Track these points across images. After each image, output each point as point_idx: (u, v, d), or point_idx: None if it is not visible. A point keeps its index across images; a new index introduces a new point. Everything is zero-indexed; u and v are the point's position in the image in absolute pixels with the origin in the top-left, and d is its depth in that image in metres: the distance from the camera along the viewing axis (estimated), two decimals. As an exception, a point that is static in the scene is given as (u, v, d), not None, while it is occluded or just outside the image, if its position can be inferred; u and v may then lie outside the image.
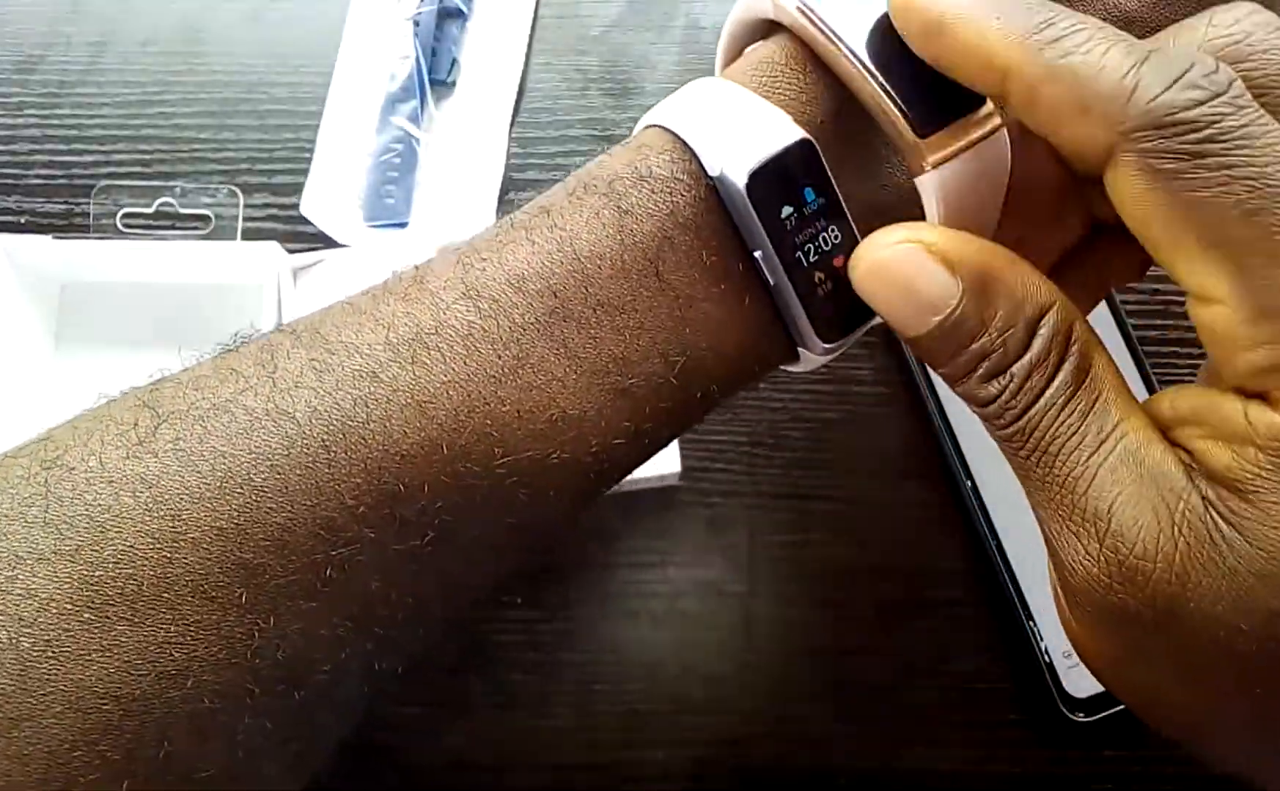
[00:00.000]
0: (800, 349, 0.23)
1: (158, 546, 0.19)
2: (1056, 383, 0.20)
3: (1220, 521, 0.18)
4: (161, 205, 0.43)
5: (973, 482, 0.39)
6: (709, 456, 0.40)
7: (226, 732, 0.19)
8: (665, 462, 0.38)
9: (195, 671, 0.19)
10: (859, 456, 0.41)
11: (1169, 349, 0.41)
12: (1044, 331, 0.20)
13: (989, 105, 0.21)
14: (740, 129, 0.21)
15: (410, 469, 0.20)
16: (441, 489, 0.20)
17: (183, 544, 0.19)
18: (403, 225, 0.43)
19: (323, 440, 0.20)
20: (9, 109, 0.45)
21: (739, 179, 0.20)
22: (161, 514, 0.19)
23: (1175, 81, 0.18)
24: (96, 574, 0.19)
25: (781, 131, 0.21)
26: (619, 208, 0.21)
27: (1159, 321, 0.41)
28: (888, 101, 0.21)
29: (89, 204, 0.43)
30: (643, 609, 0.39)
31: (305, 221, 0.43)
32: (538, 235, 0.22)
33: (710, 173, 0.21)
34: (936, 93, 0.21)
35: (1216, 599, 0.18)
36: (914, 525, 0.40)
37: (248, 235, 0.43)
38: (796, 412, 0.41)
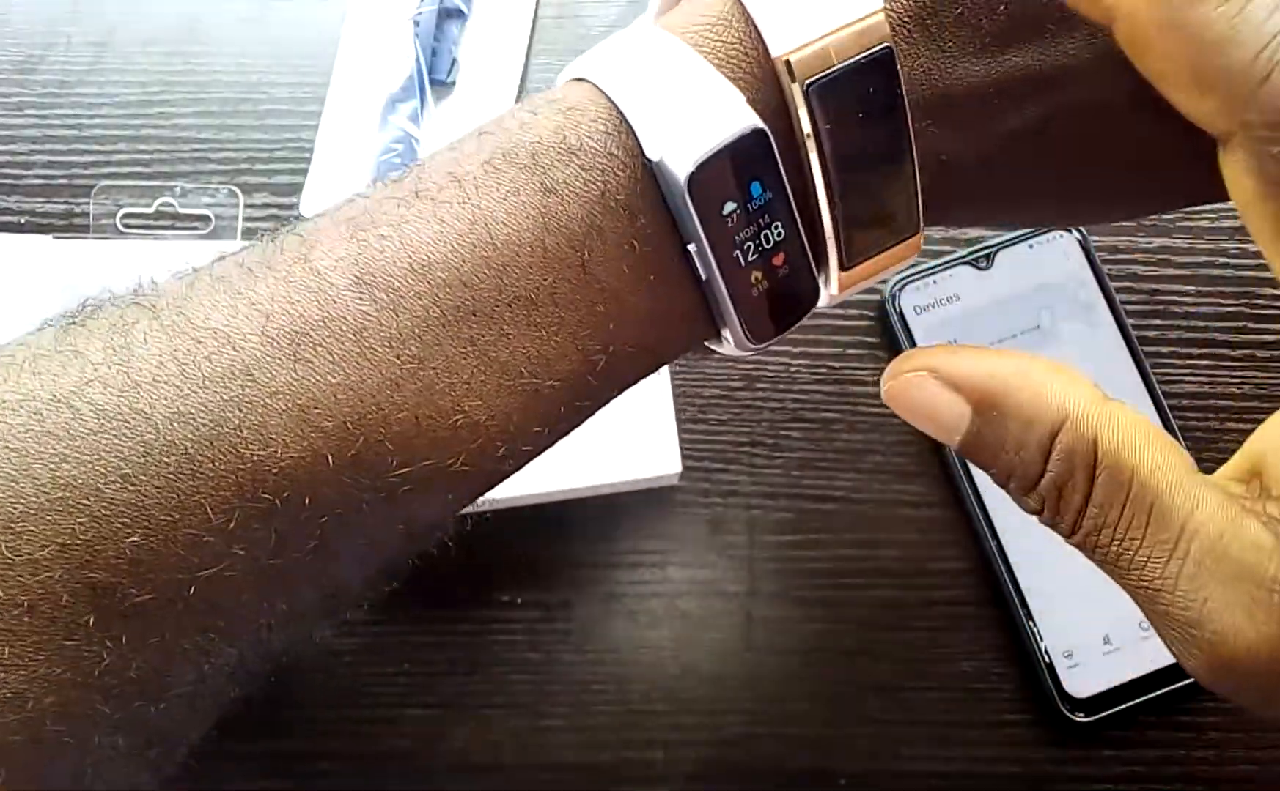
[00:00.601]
0: (730, 343, 0.21)
1: None
2: (1097, 501, 0.19)
3: None
4: (161, 205, 0.43)
5: (973, 483, 0.39)
6: (709, 456, 0.40)
7: (74, 752, 0.18)
8: (665, 463, 0.38)
9: (35, 695, 0.17)
10: (859, 456, 0.41)
11: (1169, 349, 0.41)
12: (1059, 453, 0.19)
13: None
14: (687, 108, 0.18)
15: (289, 482, 0.18)
16: (324, 502, 0.18)
17: (17, 561, 0.17)
18: (403, 225, 0.43)
19: (185, 448, 0.17)
20: (9, 109, 0.45)
21: (680, 171, 0.18)
22: None
23: None
24: None
25: (733, 117, 0.18)
26: (543, 185, 0.19)
27: (1159, 321, 0.41)
28: None
29: (89, 204, 0.43)
30: (643, 609, 0.39)
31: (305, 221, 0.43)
32: (447, 211, 0.19)
33: (649, 156, 0.19)
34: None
35: None
36: (914, 525, 0.40)
37: (248, 235, 0.43)
38: (796, 412, 0.41)
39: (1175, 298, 0.41)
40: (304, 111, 0.45)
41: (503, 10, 0.46)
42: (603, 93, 0.19)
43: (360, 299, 0.18)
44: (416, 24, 0.45)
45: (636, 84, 0.19)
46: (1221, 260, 0.41)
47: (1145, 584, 0.18)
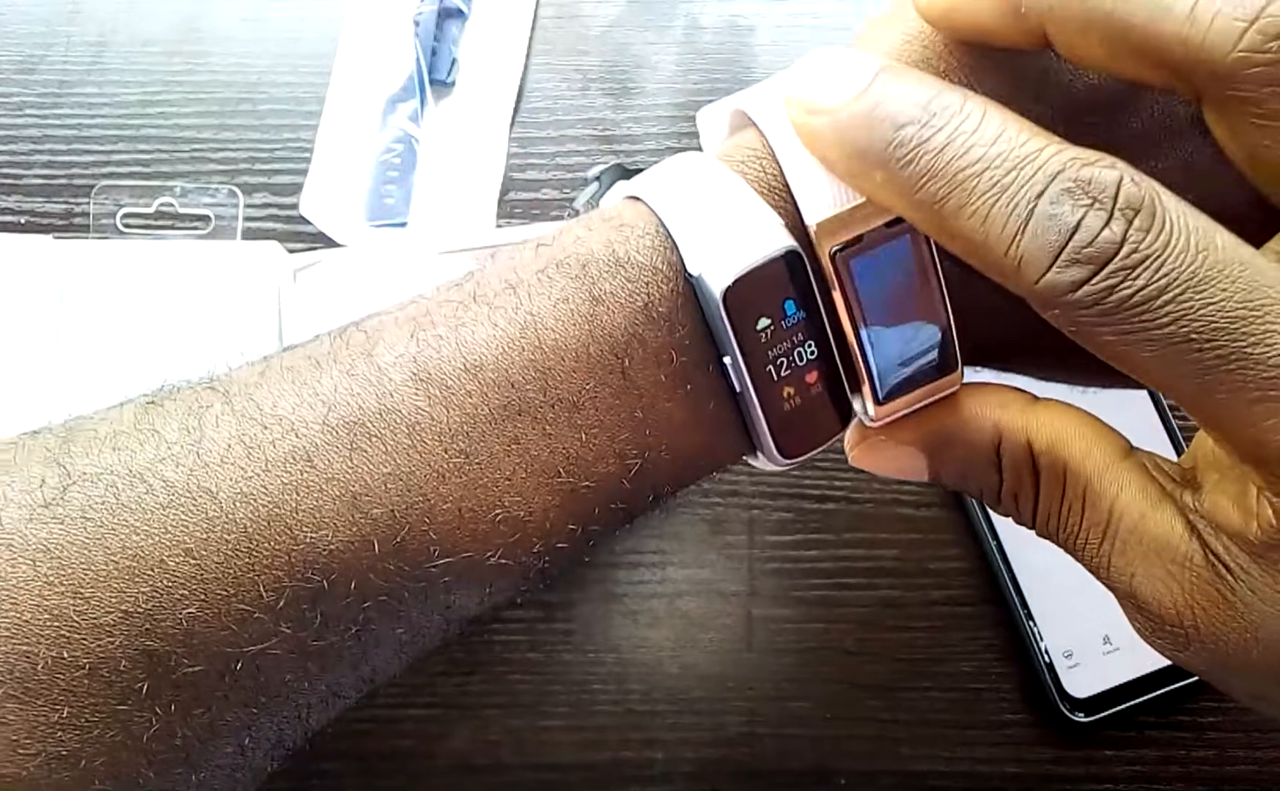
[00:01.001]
0: (762, 457, 0.22)
1: (56, 624, 0.18)
2: (1043, 497, 0.20)
3: (1230, 578, 0.18)
4: (161, 205, 0.43)
5: (973, 482, 0.39)
6: (709, 456, 0.40)
7: None
8: (665, 463, 0.38)
9: (88, 755, 0.18)
10: (859, 456, 0.41)
11: (1169, 349, 0.41)
12: (1005, 462, 0.21)
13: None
14: (726, 228, 0.20)
15: (337, 565, 0.19)
16: (369, 587, 0.19)
17: (83, 625, 0.18)
18: (403, 225, 0.43)
19: (245, 527, 0.18)
20: (9, 109, 0.45)
21: (716, 287, 0.19)
22: (63, 589, 0.18)
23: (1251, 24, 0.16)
24: None
25: (769, 239, 0.19)
26: (591, 294, 0.20)
27: (1159, 321, 0.41)
28: None
29: (89, 204, 0.43)
30: (643, 609, 0.39)
31: (305, 221, 0.43)
32: (500, 316, 0.20)
33: (690, 271, 0.20)
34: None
35: (1246, 649, 0.18)
36: (914, 525, 0.40)
37: (248, 235, 0.43)
38: (796, 412, 0.41)
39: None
40: (304, 111, 0.45)
41: (503, 10, 0.46)
42: (652, 211, 0.20)
43: (416, 394, 0.19)
44: (416, 24, 0.45)
45: (682, 204, 0.20)
46: (1221, 260, 0.41)
47: (1090, 562, 0.20)
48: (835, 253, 0.19)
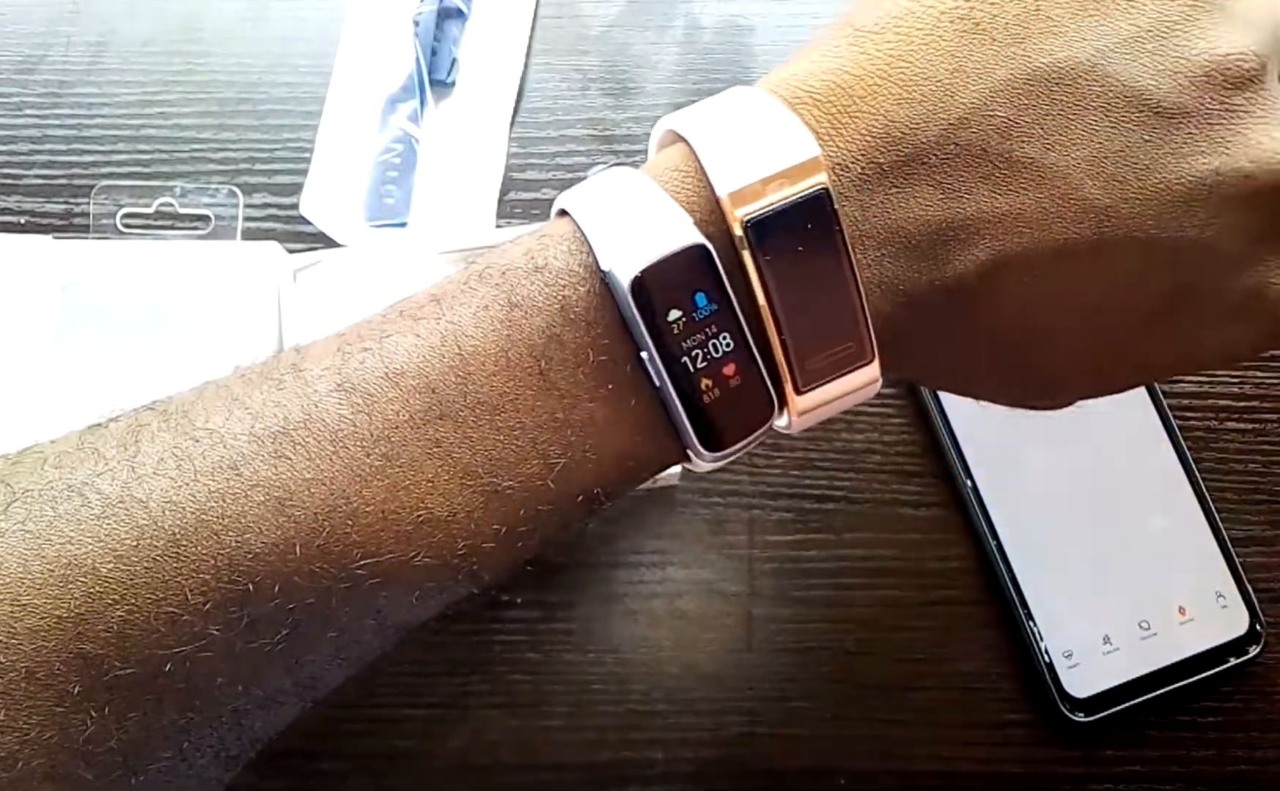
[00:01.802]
0: (689, 452, 0.22)
1: None
2: None
3: None
4: (161, 205, 0.43)
5: (973, 483, 0.39)
6: (709, 456, 0.40)
7: None
8: (665, 462, 0.38)
9: (25, 756, 0.19)
10: (859, 456, 0.41)
11: (1169, 349, 0.41)
12: None
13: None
14: (636, 226, 0.20)
15: (263, 567, 0.19)
16: (295, 589, 0.20)
17: (19, 630, 0.19)
18: (403, 225, 0.43)
19: (173, 533, 0.19)
20: (9, 109, 0.45)
21: (625, 277, 0.20)
22: (2, 597, 0.19)
23: None
24: None
25: (677, 233, 0.20)
26: (509, 300, 0.21)
27: (1159, 321, 0.41)
28: None
29: (89, 204, 0.43)
30: (643, 609, 0.39)
31: (305, 221, 0.43)
32: (423, 326, 0.21)
33: (602, 268, 0.20)
34: None
35: None
36: (914, 525, 0.40)
37: (248, 235, 0.43)
38: (796, 412, 0.41)
39: (1175, 297, 0.41)
40: (304, 111, 0.45)
41: (503, 10, 0.46)
42: (572, 219, 0.21)
43: (339, 403, 0.20)
44: (416, 24, 0.45)
45: (599, 210, 0.21)
46: (1221, 260, 0.41)
47: None
48: (748, 221, 0.20)
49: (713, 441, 0.21)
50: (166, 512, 0.19)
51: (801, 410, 0.22)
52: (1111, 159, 0.21)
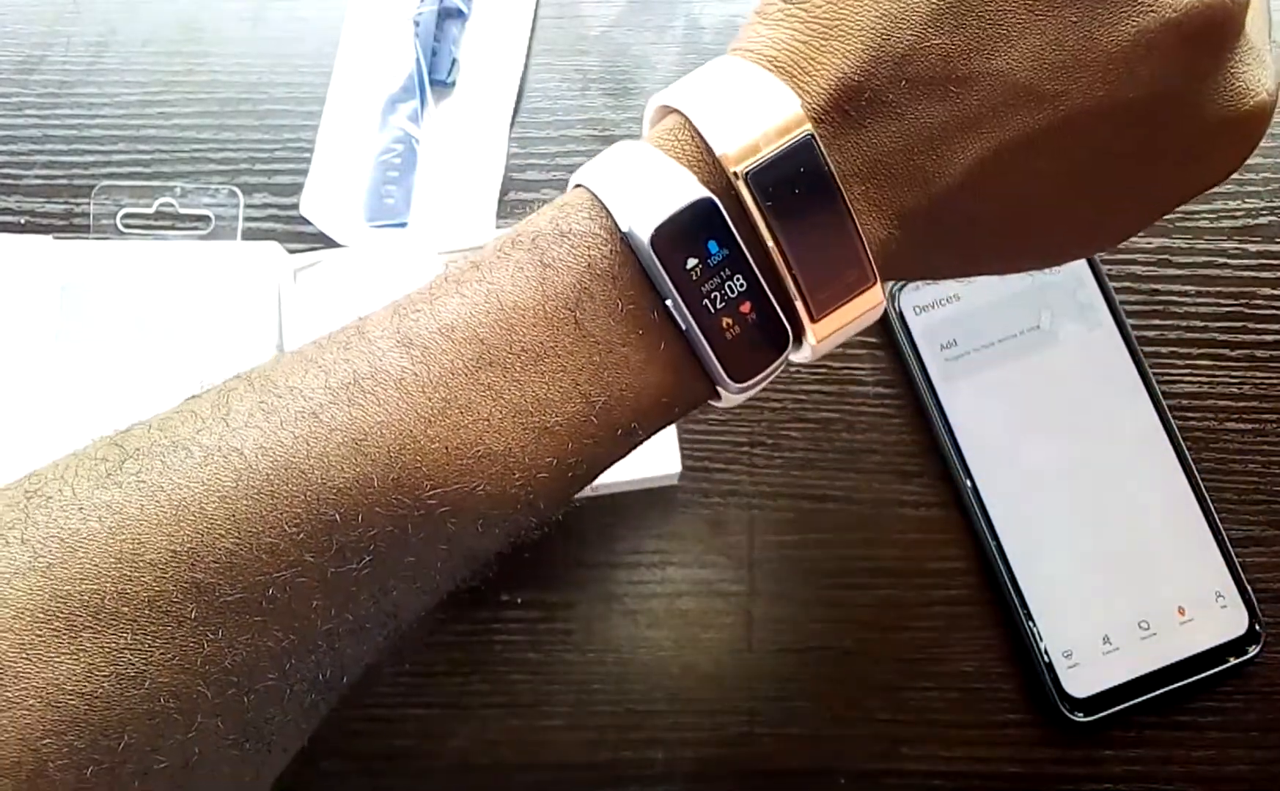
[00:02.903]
0: (718, 387, 0.24)
1: (119, 566, 0.21)
2: None
3: None
4: (161, 205, 0.43)
5: (973, 483, 0.39)
6: (709, 456, 0.41)
7: (181, 729, 0.22)
8: (665, 462, 0.38)
9: (151, 674, 0.21)
10: (859, 456, 0.41)
11: (1168, 349, 0.41)
12: None
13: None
14: (648, 188, 0.23)
15: (346, 501, 0.22)
16: (375, 518, 0.22)
17: (141, 564, 0.21)
18: (403, 225, 0.43)
19: (267, 474, 0.22)
20: (9, 109, 0.45)
21: (644, 234, 0.22)
22: (124, 537, 0.21)
23: None
24: (65, 588, 0.21)
25: (685, 190, 0.23)
26: (541, 261, 0.23)
27: (1158, 321, 0.41)
28: None
29: (89, 204, 0.43)
30: (643, 609, 0.39)
31: (305, 221, 0.43)
32: (467, 288, 0.23)
33: (621, 228, 0.23)
34: None
35: None
36: (914, 525, 0.40)
37: (248, 235, 0.43)
38: (796, 412, 0.41)
39: (1175, 298, 0.41)
40: (304, 111, 0.45)
41: (503, 10, 0.46)
42: (588, 190, 0.24)
43: (400, 356, 0.23)
44: (416, 24, 0.45)
45: (612, 178, 0.24)
46: (1221, 260, 0.42)
47: None
48: (747, 174, 0.23)
49: (736, 373, 0.23)
50: (260, 457, 0.22)
51: (820, 336, 0.24)
52: (1049, 48, 0.23)
